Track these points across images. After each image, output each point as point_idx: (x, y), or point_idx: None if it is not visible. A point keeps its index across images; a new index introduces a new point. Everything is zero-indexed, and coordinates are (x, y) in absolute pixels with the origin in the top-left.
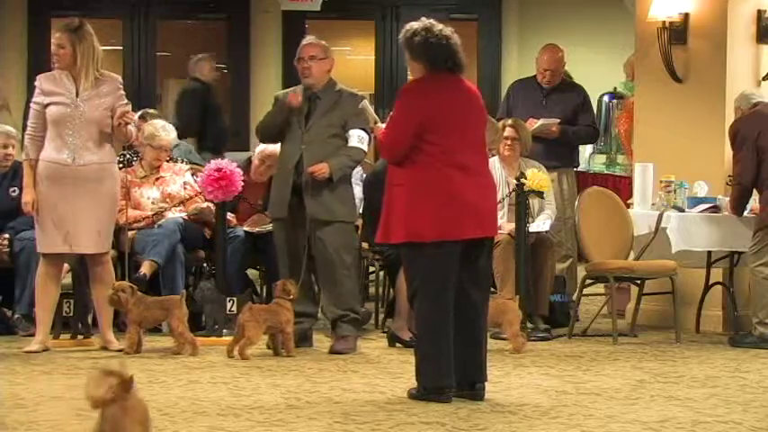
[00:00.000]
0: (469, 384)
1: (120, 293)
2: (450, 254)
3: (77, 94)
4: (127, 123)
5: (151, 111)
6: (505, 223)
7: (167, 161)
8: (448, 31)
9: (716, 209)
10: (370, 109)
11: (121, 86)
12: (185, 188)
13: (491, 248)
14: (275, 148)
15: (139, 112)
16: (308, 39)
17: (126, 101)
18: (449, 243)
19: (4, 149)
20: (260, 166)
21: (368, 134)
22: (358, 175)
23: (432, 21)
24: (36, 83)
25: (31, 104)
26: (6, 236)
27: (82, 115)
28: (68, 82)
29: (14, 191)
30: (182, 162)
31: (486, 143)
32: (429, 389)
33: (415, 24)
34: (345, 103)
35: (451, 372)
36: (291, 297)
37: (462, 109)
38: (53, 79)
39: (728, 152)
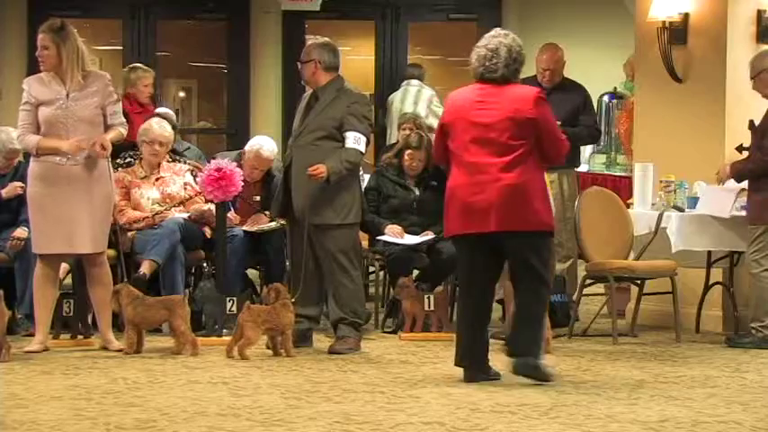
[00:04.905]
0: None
1: (114, 293)
2: (463, 248)
3: (67, 95)
4: (103, 150)
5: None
6: None
7: (168, 161)
8: (495, 41)
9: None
10: None
11: (110, 83)
12: (185, 188)
13: (526, 242)
14: (266, 151)
15: (156, 124)
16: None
17: (116, 97)
18: (460, 238)
19: (6, 160)
20: (251, 172)
21: (365, 135)
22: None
23: (494, 32)
24: (24, 86)
25: (22, 107)
26: (24, 230)
27: (73, 115)
28: (56, 83)
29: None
30: (182, 162)
31: (512, 144)
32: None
33: None
34: (340, 102)
35: (465, 354)
36: (283, 299)
37: (484, 114)
38: (42, 82)
39: (728, 152)
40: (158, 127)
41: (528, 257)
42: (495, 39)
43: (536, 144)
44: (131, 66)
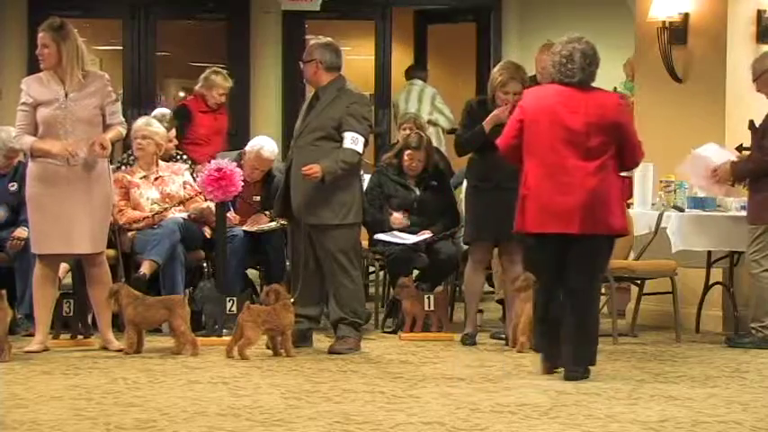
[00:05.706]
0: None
1: (113, 294)
2: (544, 246)
3: (66, 95)
4: (103, 149)
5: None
6: None
7: (167, 160)
8: (569, 47)
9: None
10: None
11: (109, 83)
12: (185, 188)
13: (602, 244)
14: (267, 152)
15: (141, 120)
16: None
17: (114, 96)
18: (533, 235)
19: (6, 159)
20: (252, 172)
21: (363, 135)
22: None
23: (566, 37)
24: (22, 86)
25: (20, 107)
26: (25, 230)
27: (72, 116)
28: (55, 83)
29: (13, 186)
30: (181, 162)
31: (600, 148)
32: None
33: None
34: (339, 102)
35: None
36: (283, 300)
37: (571, 117)
38: (40, 82)
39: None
40: (142, 122)
41: (598, 259)
42: (569, 44)
43: (617, 149)
44: (215, 69)
